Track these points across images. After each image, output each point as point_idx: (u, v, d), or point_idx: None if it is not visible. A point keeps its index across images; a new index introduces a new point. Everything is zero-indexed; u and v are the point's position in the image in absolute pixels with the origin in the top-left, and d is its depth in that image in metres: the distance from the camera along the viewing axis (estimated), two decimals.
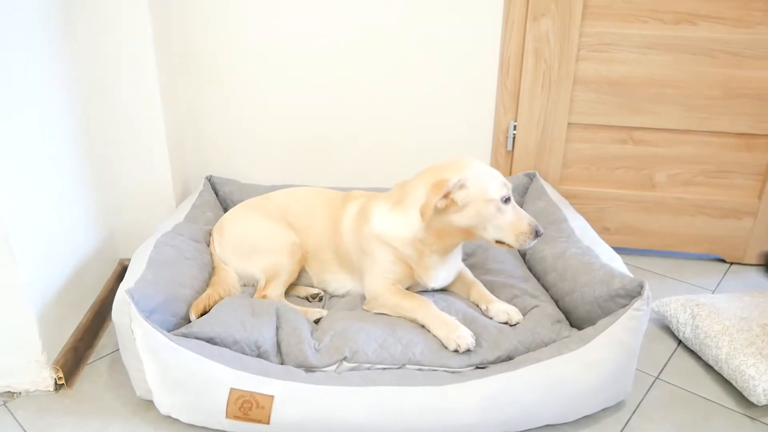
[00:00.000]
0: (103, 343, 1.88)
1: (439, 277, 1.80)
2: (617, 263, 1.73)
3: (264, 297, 1.80)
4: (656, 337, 1.92)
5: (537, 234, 1.62)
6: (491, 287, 1.84)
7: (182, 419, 1.50)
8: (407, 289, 1.79)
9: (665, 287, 2.23)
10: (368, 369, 1.55)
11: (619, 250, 1.91)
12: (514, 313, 1.69)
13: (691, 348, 1.84)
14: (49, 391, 1.66)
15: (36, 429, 1.54)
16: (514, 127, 2.33)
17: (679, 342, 1.90)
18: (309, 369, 1.54)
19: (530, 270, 2.00)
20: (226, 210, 2.22)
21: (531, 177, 2.34)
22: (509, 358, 1.56)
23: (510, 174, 2.40)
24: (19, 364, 1.62)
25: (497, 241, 1.66)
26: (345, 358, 1.55)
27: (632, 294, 1.53)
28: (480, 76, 2.28)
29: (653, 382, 1.73)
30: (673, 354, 1.86)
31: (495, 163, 2.40)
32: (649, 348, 1.85)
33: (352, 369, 1.55)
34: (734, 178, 2.31)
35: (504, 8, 2.17)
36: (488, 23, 2.20)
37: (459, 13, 2.19)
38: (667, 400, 1.67)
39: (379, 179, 2.40)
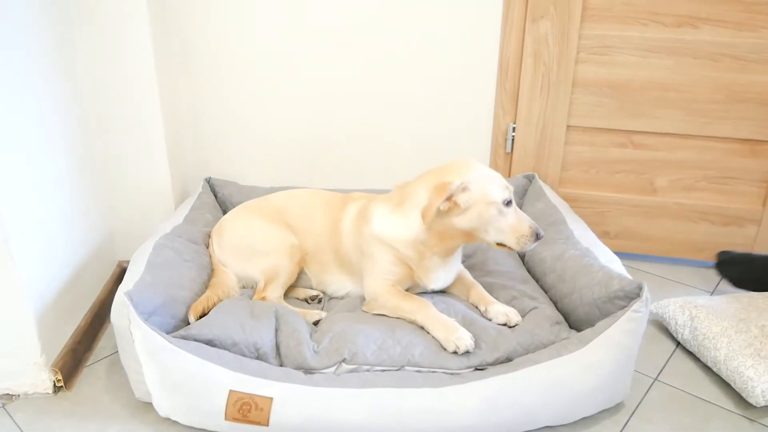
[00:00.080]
0: (102, 346, 1.88)
1: (439, 279, 1.80)
2: (616, 265, 1.74)
3: (263, 299, 1.80)
4: (655, 339, 1.92)
5: (537, 237, 1.63)
6: (490, 289, 1.84)
7: (181, 421, 1.50)
8: (407, 290, 1.80)
9: (664, 289, 2.23)
10: (367, 371, 1.55)
11: (618, 254, 1.90)
12: (512, 315, 1.69)
13: (690, 349, 1.84)
14: (48, 393, 1.66)
15: (35, 431, 1.54)
16: (513, 128, 2.33)
17: (678, 344, 1.90)
18: (308, 371, 1.54)
19: (529, 271, 2.00)
20: (225, 212, 2.21)
21: (530, 179, 2.34)
22: (508, 359, 1.56)
23: (509, 176, 2.40)
24: (17, 367, 1.62)
25: (498, 244, 1.66)
26: (344, 360, 1.55)
27: (631, 296, 1.53)
28: (479, 78, 2.28)
29: (652, 384, 1.74)
30: (671, 355, 1.86)
31: (494, 165, 2.40)
32: (648, 349, 1.85)
33: (351, 371, 1.55)
34: (737, 185, 2.26)
35: (503, 10, 2.17)
36: (487, 25, 2.20)
37: (458, 14, 2.20)
38: (666, 401, 1.67)
39: (379, 181, 2.40)
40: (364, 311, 1.78)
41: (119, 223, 2.19)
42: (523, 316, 1.70)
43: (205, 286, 1.81)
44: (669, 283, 2.28)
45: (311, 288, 1.97)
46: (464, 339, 1.56)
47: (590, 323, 1.58)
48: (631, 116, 2.23)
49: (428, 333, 1.63)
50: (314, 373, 1.54)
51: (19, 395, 1.65)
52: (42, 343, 1.62)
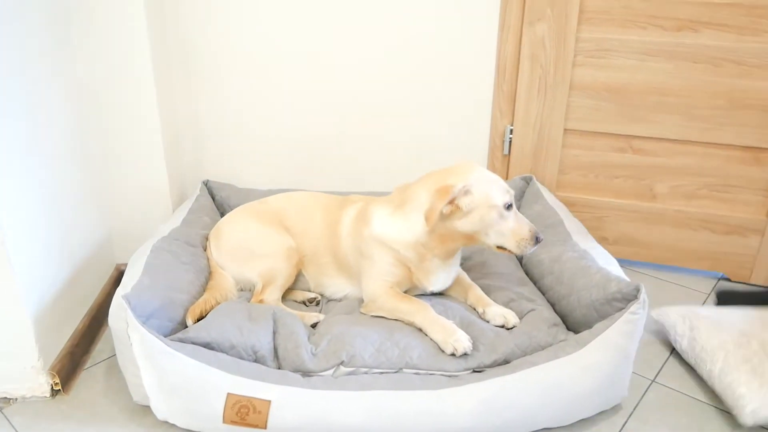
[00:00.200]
0: (99, 349, 1.88)
1: (438, 281, 1.80)
2: (614, 267, 1.74)
3: (261, 301, 1.80)
4: (652, 341, 1.92)
5: (537, 240, 1.64)
6: (488, 291, 1.84)
7: (179, 424, 1.50)
8: (405, 292, 1.80)
9: (663, 291, 2.23)
10: (365, 373, 1.55)
11: (617, 261, 1.85)
12: (510, 317, 1.69)
13: (687, 361, 1.79)
14: (46, 396, 1.65)
15: None
16: (511, 131, 2.33)
17: (673, 348, 1.90)
18: (306, 373, 1.54)
19: (527, 273, 2.00)
20: (222, 214, 2.21)
21: (527, 181, 2.35)
22: (506, 361, 1.56)
23: (506, 178, 2.40)
24: (15, 370, 1.62)
25: (498, 247, 1.67)
26: (342, 363, 1.55)
27: (629, 298, 1.53)
28: (477, 79, 2.29)
29: (649, 386, 1.74)
30: (669, 357, 1.86)
31: (492, 167, 2.40)
32: (646, 351, 1.85)
33: (349, 373, 1.55)
34: (740, 193, 2.20)
35: (500, 12, 2.17)
36: (485, 26, 2.21)
37: (456, 16, 2.20)
38: (663, 403, 1.67)
39: (377, 183, 2.40)
40: (362, 313, 1.78)
41: (117, 225, 2.18)
42: (520, 318, 1.71)
43: (203, 288, 1.81)
44: (668, 286, 2.28)
45: (309, 290, 1.97)
46: (462, 341, 1.57)
47: (588, 325, 1.58)
48: (630, 121, 2.20)
49: (426, 335, 1.63)
50: (312, 375, 1.54)
51: (16, 399, 1.65)
52: (39, 346, 1.62)
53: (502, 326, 1.68)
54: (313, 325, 1.74)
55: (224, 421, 1.43)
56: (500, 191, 1.64)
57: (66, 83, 1.87)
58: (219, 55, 2.31)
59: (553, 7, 2.12)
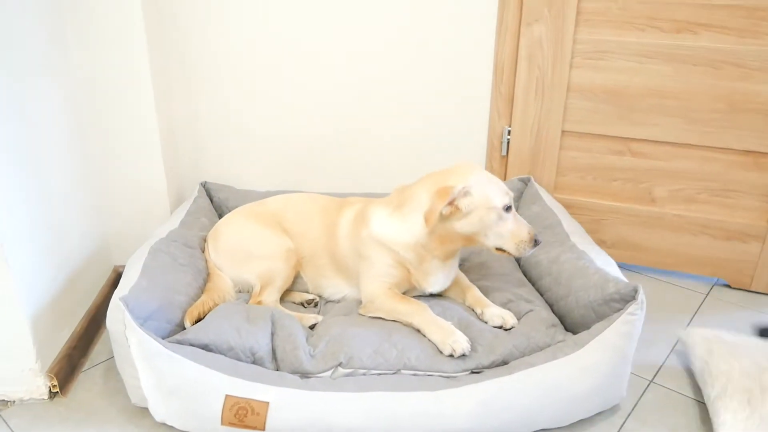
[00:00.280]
0: (97, 351, 1.88)
1: (437, 282, 1.80)
2: (612, 268, 1.74)
3: (259, 303, 1.80)
4: (650, 341, 1.92)
5: (536, 243, 1.65)
6: (486, 292, 1.84)
7: (177, 426, 1.50)
8: (403, 293, 1.80)
9: (662, 292, 2.24)
10: (363, 374, 1.55)
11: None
12: (508, 318, 1.70)
13: (698, 382, 1.69)
14: (44, 399, 1.65)
15: None
16: (509, 132, 2.33)
17: (673, 346, 1.90)
18: (304, 375, 1.54)
19: (525, 274, 2.00)
20: (220, 216, 2.21)
21: (526, 182, 2.35)
22: (504, 362, 1.57)
23: (504, 179, 2.40)
24: (13, 372, 1.61)
25: (497, 248, 1.68)
26: (340, 364, 1.55)
27: (627, 298, 1.53)
28: (475, 81, 2.29)
29: (648, 386, 1.74)
30: (667, 358, 1.86)
31: (490, 168, 2.40)
32: (644, 352, 1.85)
33: (348, 374, 1.55)
34: (740, 198, 2.15)
35: (498, 13, 2.18)
36: (482, 27, 2.21)
37: (454, 17, 2.20)
38: (662, 403, 1.67)
39: (375, 184, 2.40)
40: (360, 314, 1.78)
41: (115, 227, 2.18)
42: (519, 319, 1.71)
43: (201, 290, 1.81)
44: (667, 287, 2.28)
45: (307, 292, 1.97)
46: (460, 342, 1.57)
47: (586, 326, 1.59)
48: (629, 123, 2.18)
49: (424, 336, 1.63)
50: (310, 377, 1.54)
51: (14, 401, 1.65)
52: (37, 348, 1.62)
53: (501, 327, 1.68)
54: (312, 327, 1.74)
55: (222, 423, 1.43)
56: (500, 193, 1.65)
57: (63, 85, 1.87)
58: (217, 55, 2.30)
59: (550, 8, 2.12)
